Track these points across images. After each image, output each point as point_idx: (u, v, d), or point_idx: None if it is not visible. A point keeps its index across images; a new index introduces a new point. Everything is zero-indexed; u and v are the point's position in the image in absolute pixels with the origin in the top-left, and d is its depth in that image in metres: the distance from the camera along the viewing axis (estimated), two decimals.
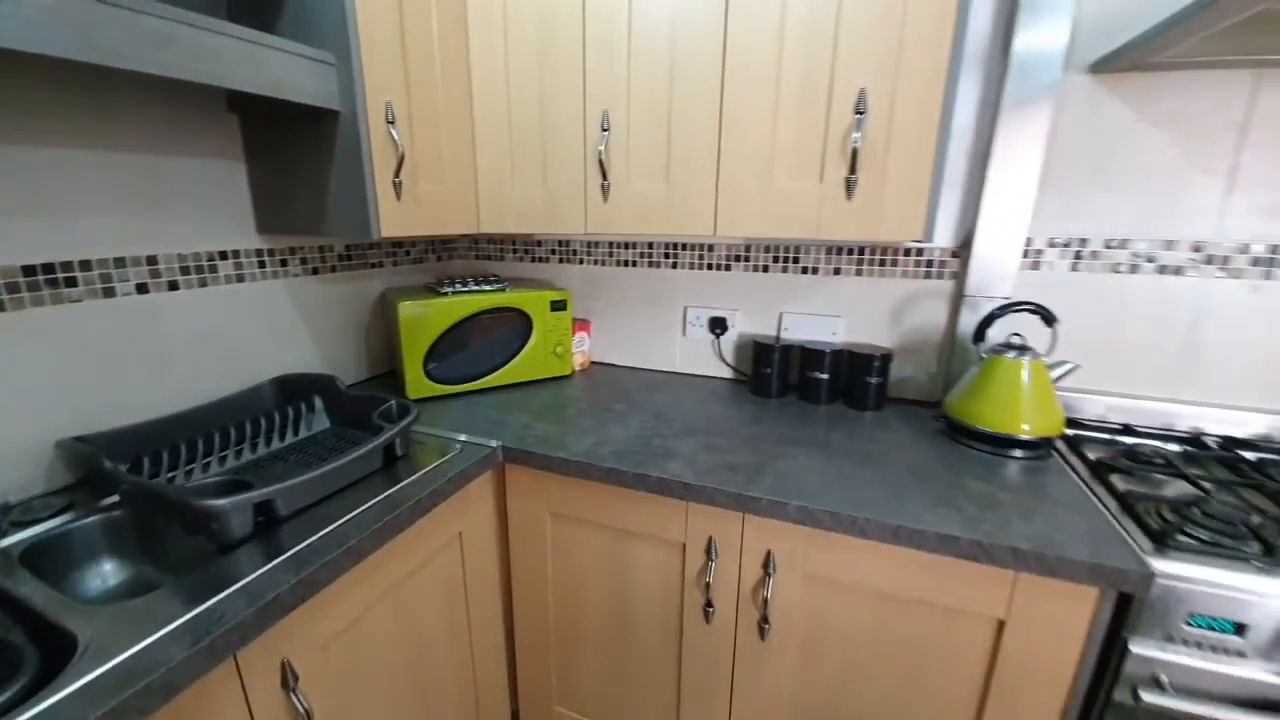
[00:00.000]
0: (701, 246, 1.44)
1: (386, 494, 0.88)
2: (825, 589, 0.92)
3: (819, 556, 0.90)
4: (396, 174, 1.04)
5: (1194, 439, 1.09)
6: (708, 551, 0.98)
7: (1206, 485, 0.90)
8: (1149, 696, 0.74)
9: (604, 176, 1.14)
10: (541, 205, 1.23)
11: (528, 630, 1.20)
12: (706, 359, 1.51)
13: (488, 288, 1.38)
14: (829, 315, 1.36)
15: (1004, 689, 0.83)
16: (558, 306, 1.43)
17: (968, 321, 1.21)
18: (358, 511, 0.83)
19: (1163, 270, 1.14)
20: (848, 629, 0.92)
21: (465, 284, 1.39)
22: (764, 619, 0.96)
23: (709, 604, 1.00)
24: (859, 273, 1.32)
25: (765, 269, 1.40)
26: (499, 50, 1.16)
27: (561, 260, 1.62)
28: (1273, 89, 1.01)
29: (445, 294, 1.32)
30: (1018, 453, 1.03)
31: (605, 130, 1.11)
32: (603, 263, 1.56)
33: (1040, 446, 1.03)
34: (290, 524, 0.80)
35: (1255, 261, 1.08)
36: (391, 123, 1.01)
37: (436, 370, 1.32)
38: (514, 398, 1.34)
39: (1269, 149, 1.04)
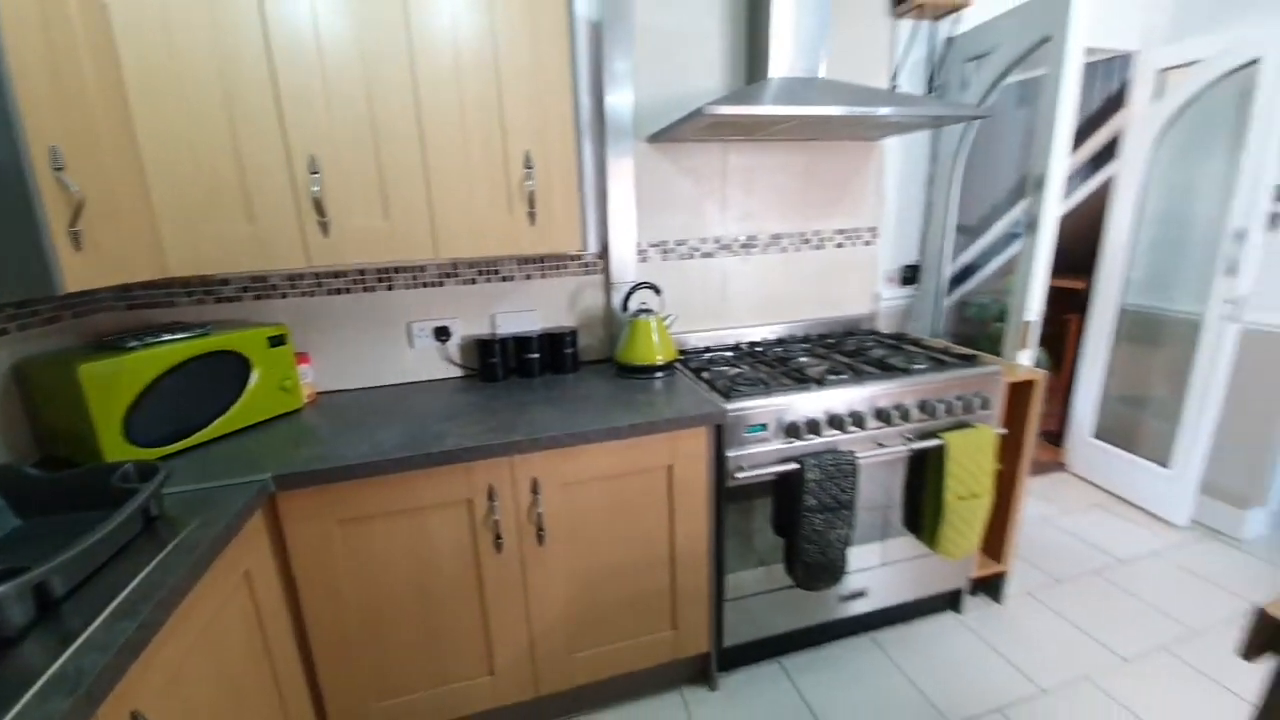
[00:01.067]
0: (416, 268, 1.67)
1: (162, 555, 0.88)
2: (576, 489, 1.35)
3: (567, 467, 1.32)
4: (73, 223, 0.97)
5: (736, 346, 1.95)
6: (490, 497, 1.29)
7: (744, 366, 1.69)
8: (739, 475, 1.42)
9: (321, 214, 1.28)
10: (249, 244, 1.27)
11: (327, 642, 1.27)
12: (437, 364, 1.76)
13: (185, 334, 1.31)
14: (528, 310, 1.80)
15: (679, 502, 1.43)
16: (276, 342, 1.45)
17: (615, 300, 1.81)
18: (140, 578, 0.82)
19: (705, 256, 1.95)
20: (595, 508, 1.38)
21: (155, 335, 1.28)
22: (540, 529, 1.34)
23: (499, 537, 1.32)
24: (544, 276, 1.79)
25: (473, 281, 1.73)
26: (172, 96, 1.16)
27: (258, 298, 1.59)
28: (736, 153, 1.89)
29: (133, 348, 1.21)
30: (658, 374, 1.66)
31: (315, 173, 1.26)
32: (311, 294, 1.62)
33: (668, 368, 1.69)
34: (70, 603, 0.77)
35: (742, 246, 1.98)
36: (60, 169, 0.95)
37: (141, 433, 1.20)
38: (251, 440, 1.33)
39: (737, 186, 1.93)
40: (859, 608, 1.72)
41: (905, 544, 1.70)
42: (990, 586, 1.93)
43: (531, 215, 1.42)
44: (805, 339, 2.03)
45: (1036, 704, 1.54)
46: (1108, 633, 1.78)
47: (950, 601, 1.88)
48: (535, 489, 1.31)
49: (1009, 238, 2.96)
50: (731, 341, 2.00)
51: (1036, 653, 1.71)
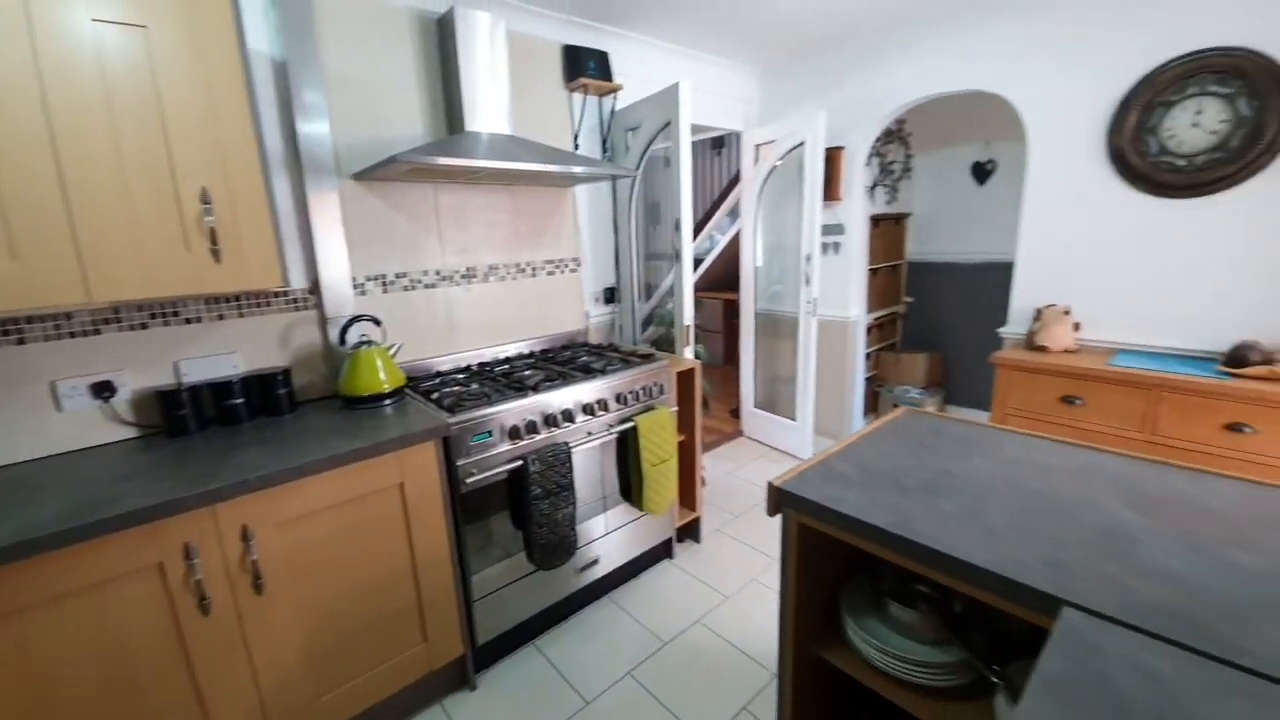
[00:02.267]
0: (57, 317, 1.41)
1: None
2: (299, 525, 1.35)
3: (285, 506, 1.32)
4: None
5: (468, 367, 2.12)
6: (187, 555, 1.21)
7: (473, 384, 1.88)
8: (471, 480, 1.59)
9: None
10: None
11: None
12: (100, 426, 1.50)
13: None
14: (226, 353, 1.67)
15: (415, 516, 1.54)
16: None
17: (333, 334, 1.82)
18: None
19: (428, 287, 2.08)
20: (323, 541, 1.39)
21: None
22: (257, 578, 1.30)
23: (204, 598, 1.23)
24: (242, 315, 1.68)
25: (144, 326, 1.54)
26: None
27: None
28: (446, 194, 2.07)
29: None
30: (387, 402, 1.74)
31: None
32: None
33: (397, 395, 1.77)
34: None
35: (463, 276, 2.17)
36: None
37: None
38: None
39: (451, 223, 2.10)
40: (595, 574, 2.05)
41: (623, 511, 2.10)
42: (692, 531, 2.49)
43: (215, 252, 1.37)
44: (530, 355, 2.32)
45: (724, 607, 2.08)
46: (767, 544, 2.47)
47: (665, 550, 2.36)
48: (246, 536, 1.27)
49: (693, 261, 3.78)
50: (464, 363, 2.16)
51: (724, 572, 2.28)
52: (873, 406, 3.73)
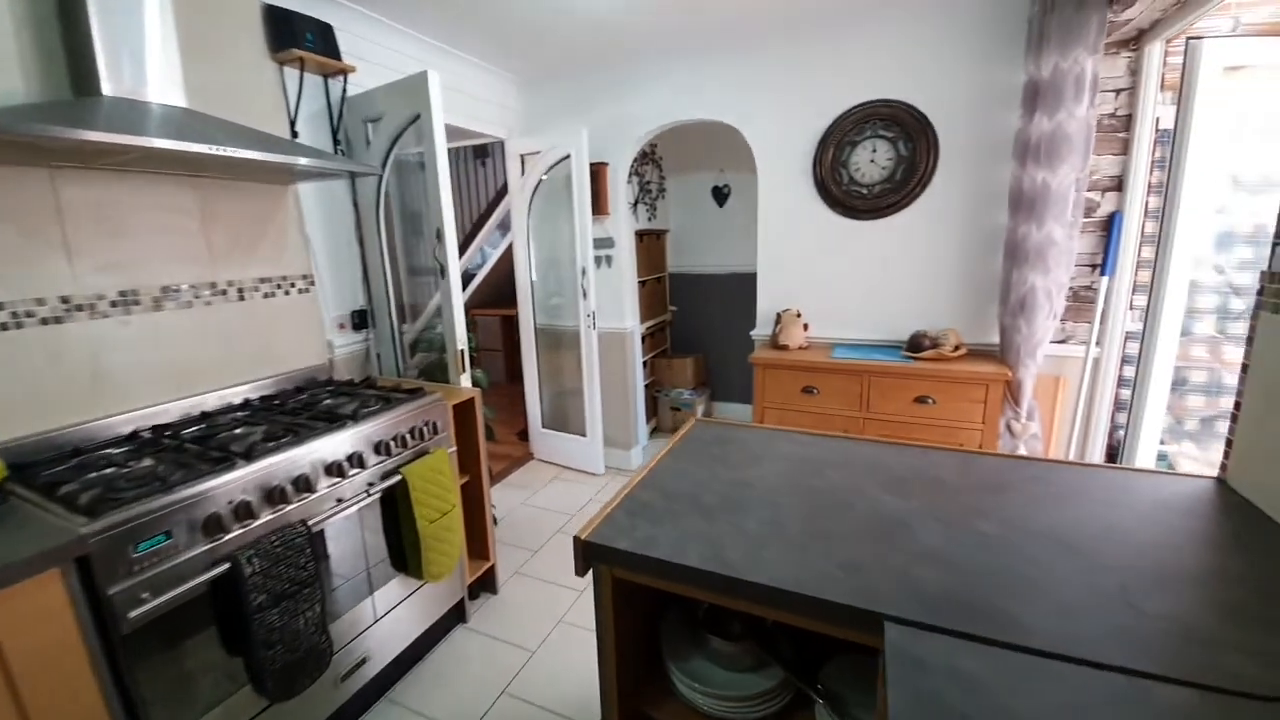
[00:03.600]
0: None
1: None
2: None
3: None
4: None
5: (133, 435, 1.48)
6: None
7: (141, 462, 1.29)
8: (136, 614, 1.06)
9: None
10: None
11: None
12: None
13: None
14: None
15: (34, 690, 0.96)
16: None
17: None
18: None
19: (47, 322, 1.39)
20: None
21: None
22: None
23: None
24: None
25: None
26: None
27: None
28: (71, 184, 1.40)
29: None
30: None
31: None
32: None
33: None
34: None
35: (113, 304, 1.51)
36: None
37: None
38: None
39: (87, 227, 1.44)
40: (365, 676, 1.61)
41: (398, 585, 1.71)
42: (487, 583, 2.19)
43: None
44: (245, 405, 1.75)
45: (532, 666, 1.84)
46: (570, 575, 2.32)
47: (457, 615, 2.02)
48: None
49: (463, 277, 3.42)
50: (129, 429, 1.50)
51: (527, 623, 2.05)
52: (653, 411, 3.90)
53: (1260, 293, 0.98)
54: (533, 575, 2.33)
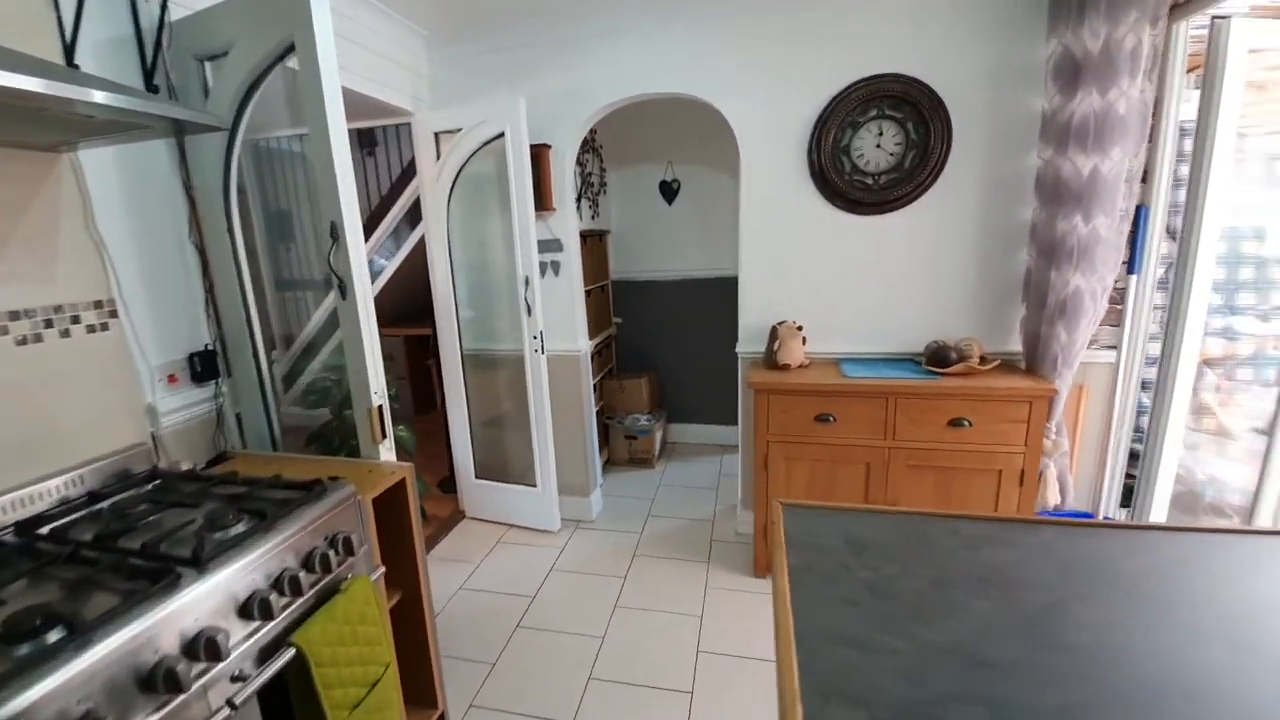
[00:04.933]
0: None
1: None
2: None
3: None
4: None
5: None
6: None
7: None
8: None
9: None
10: None
11: None
12: None
13: None
14: None
15: None
16: None
17: None
18: None
19: None
20: None
21: None
22: None
23: None
24: None
25: None
26: None
27: None
28: None
29: None
30: None
31: None
32: None
33: None
34: None
35: None
36: None
37: None
38: None
39: None
40: None
41: None
42: None
43: None
44: None
45: None
46: (549, 694, 1.71)
47: None
48: None
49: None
50: None
51: None
52: (605, 441, 3.34)
53: None
54: (499, 708, 1.68)
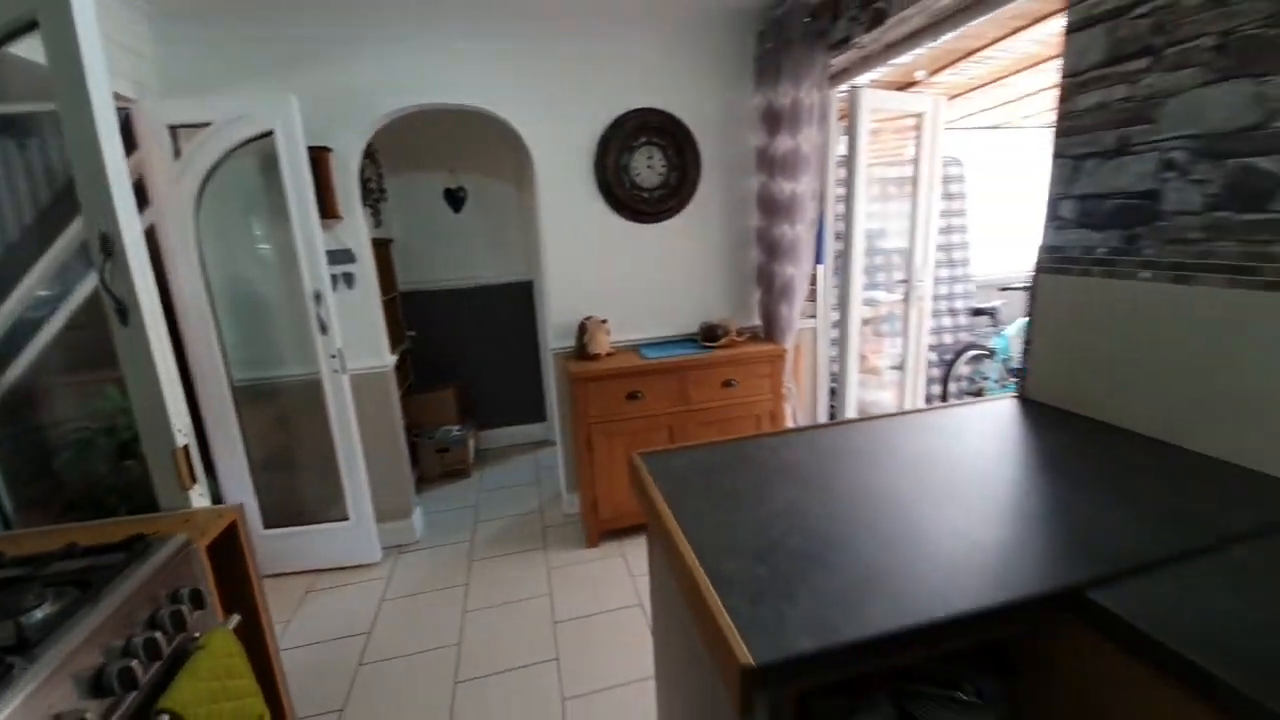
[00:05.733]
0: None
1: None
2: None
3: None
4: None
5: None
6: None
7: None
8: None
9: None
10: None
11: None
12: None
13: None
14: None
15: None
16: None
17: None
18: None
19: None
20: None
21: None
22: None
23: None
24: None
25: None
26: None
27: None
28: None
29: None
30: None
31: None
32: None
33: None
34: None
35: None
36: None
37: None
38: None
39: None
40: None
41: None
42: None
43: None
44: None
45: None
46: (408, 713, 1.67)
47: None
48: None
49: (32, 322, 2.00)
50: None
51: None
52: (415, 459, 3.18)
53: (1037, 263, 1.39)
54: None
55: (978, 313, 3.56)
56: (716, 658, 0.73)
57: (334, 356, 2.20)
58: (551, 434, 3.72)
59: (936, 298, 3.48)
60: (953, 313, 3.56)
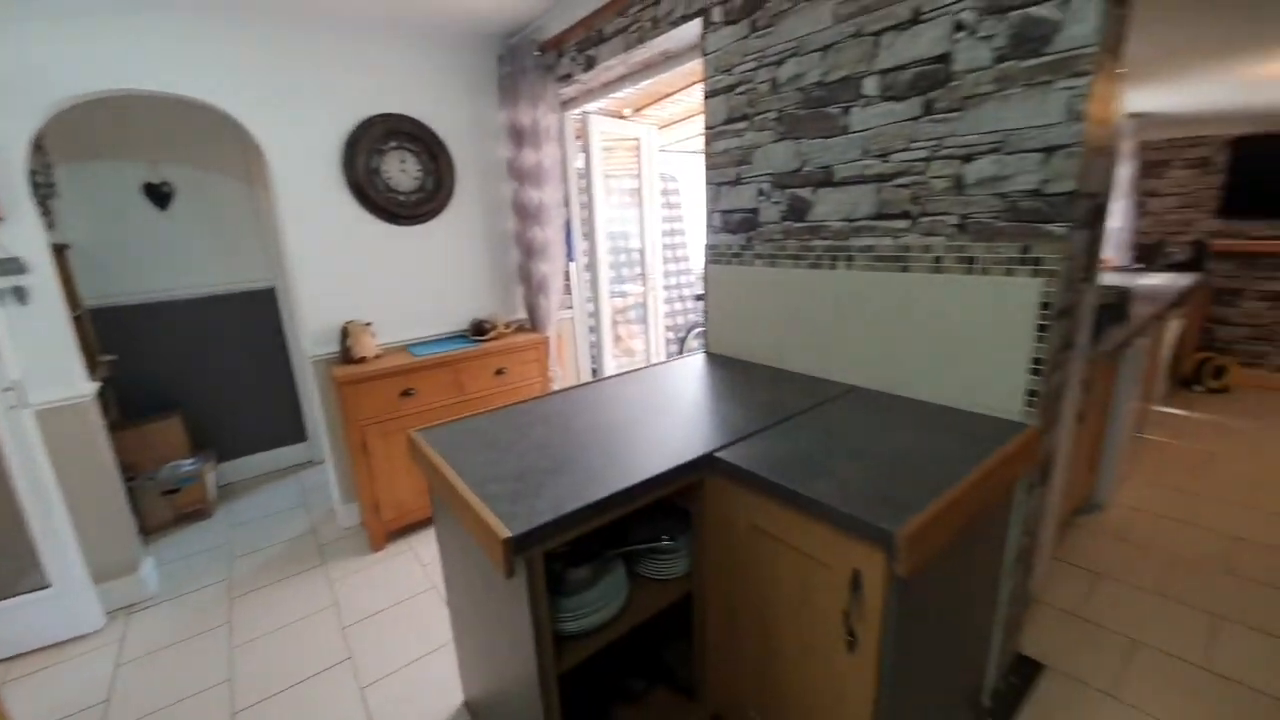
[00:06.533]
0: None
1: None
2: None
3: None
4: None
5: None
6: None
7: None
8: None
9: None
10: None
11: None
12: None
13: None
14: None
15: None
16: None
17: None
18: None
19: None
20: None
21: None
22: None
23: None
24: None
25: None
26: None
27: None
28: None
29: None
30: None
31: None
32: None
33: None
34: None
35: None
36: None
37: None
38: None
39: None
40: None
41: None
42: None
43: None
44: None
45: None
46: None
47: None
48: None
49: None
50: None
51: None
52: (137, 507, 2.67)
53: (705, 257, 1.98)
54: None
55: (699, 298, 4.47)
56: (485, 543, 1.01)
57: (9, 390, 1.79)
58: (316, 453, 3.47)
59: (669, 287, 4.25)
60: (682, 299, 4.39)
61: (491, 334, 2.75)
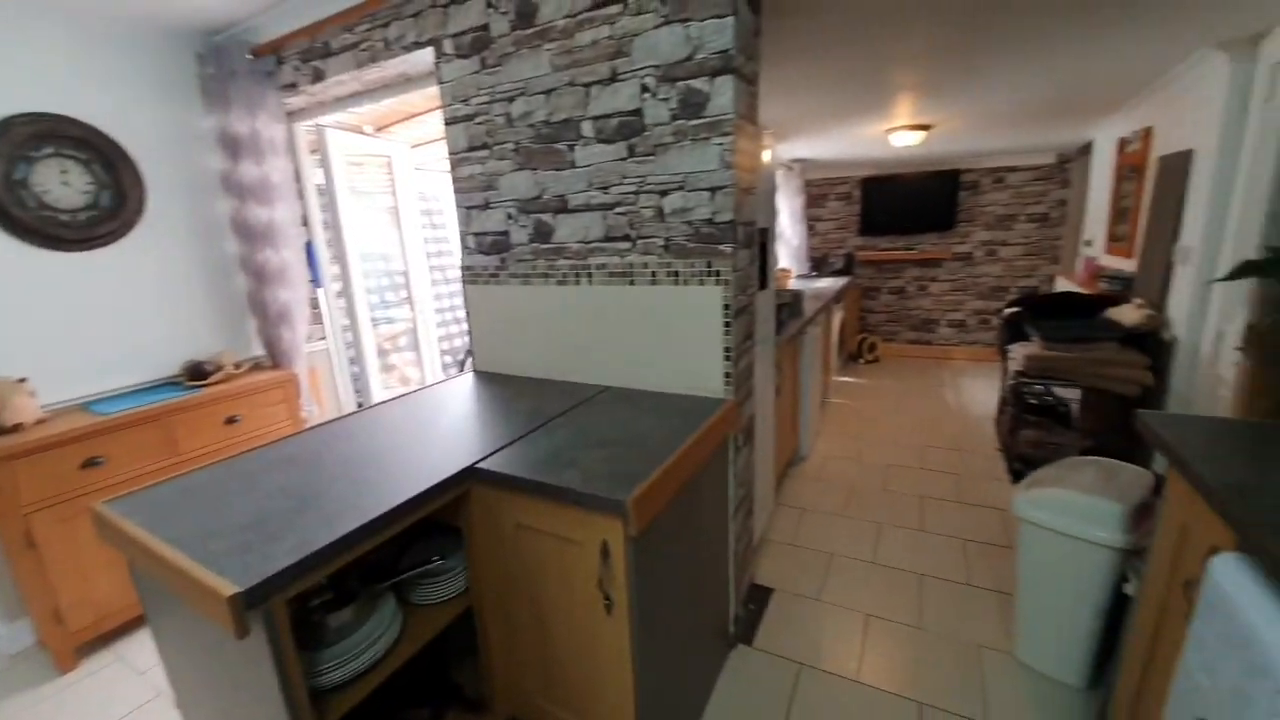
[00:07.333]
0: None
1: None
2: None
3: None
4: None
5: None
6: None
7: None
8: None
9: None
10: None
11: None
12: None
13: None
14: None
15: None
16: None
17: None
18: None
19: None
20: None
21: None
22: None
23: None
24: None
25: None
26: None
27: None
28: None
29: None
30: None
31: None
32: None
33: None
34: None
35: None
36: None
37: None
38: None
39: None
40: None
41: None
42: None
43: None
44: None
45: None
46: None
47: None
48: None
49: None
50: None
51: None
52: None
53: (463, 278, 2.02)
54: None
55: None
56: (208, 609, 0.91)
57: None
58: None
59: (442, 310, 4.11)
60: (458, 320, 4.28)
61: (215, 377, 2.34)
